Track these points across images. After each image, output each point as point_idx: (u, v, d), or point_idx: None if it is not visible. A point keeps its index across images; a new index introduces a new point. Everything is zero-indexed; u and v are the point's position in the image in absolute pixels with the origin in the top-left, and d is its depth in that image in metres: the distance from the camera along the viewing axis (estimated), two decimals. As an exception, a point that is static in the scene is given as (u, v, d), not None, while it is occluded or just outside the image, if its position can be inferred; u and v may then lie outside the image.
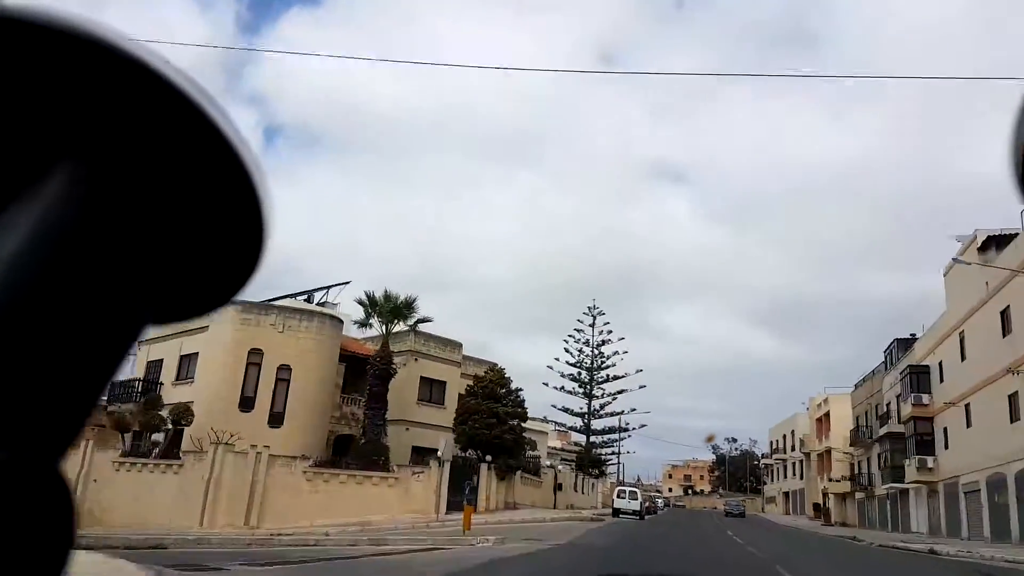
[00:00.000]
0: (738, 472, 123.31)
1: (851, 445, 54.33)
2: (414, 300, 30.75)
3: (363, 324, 30.74)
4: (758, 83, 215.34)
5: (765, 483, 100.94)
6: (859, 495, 52.96)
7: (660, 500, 79.39)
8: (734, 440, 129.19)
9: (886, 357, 48.72)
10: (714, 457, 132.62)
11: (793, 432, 77.62)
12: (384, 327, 30.55)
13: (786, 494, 79.09)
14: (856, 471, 53.91)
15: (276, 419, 28.77)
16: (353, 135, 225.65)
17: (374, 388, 29.45)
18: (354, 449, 29.17)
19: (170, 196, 0.41)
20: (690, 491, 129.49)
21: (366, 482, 26.85)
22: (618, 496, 41.94)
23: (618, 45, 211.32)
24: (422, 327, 33.54)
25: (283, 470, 25.39)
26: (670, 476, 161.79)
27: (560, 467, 40.47)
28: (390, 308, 30.13)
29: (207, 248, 0.43)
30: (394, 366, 30.37)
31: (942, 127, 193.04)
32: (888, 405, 46.05)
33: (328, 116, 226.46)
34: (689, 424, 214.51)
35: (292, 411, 28.92)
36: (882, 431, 44.83)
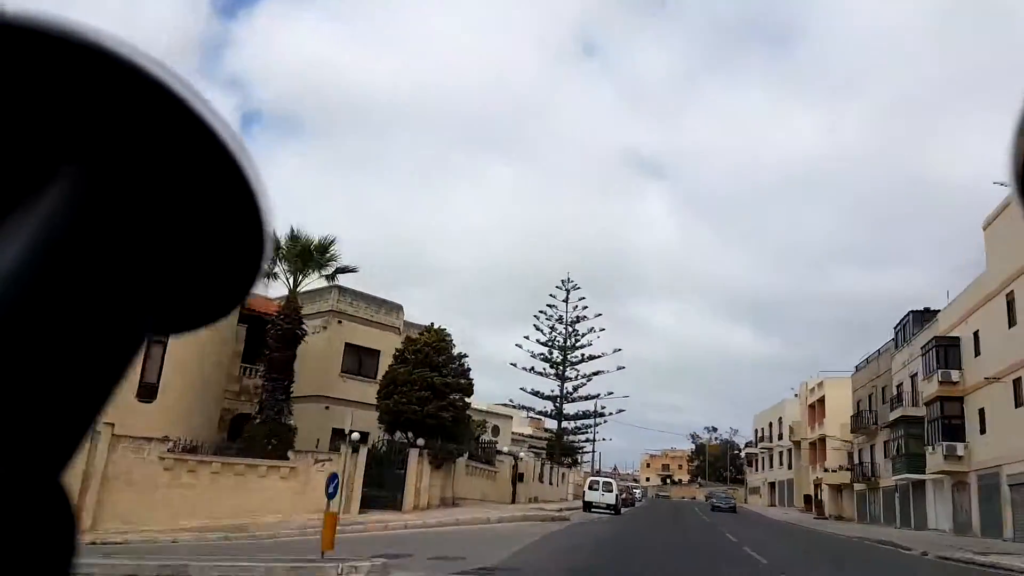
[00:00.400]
0: (717, 462, 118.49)
1: (852, 432, 48.73)
2: (331, 243, 24.07)
3: (266, 275, 23.98)
4: (737, 79, 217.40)
5: (747, 473, 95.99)
6: (859, 486, 47.38)
7: (638, 491, 73.46)
8: (714, 429, 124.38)
9: (897, 333, 42.96)
10: (693, 446, 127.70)
11: (781, 419, 72.18)
12: (291, 277, 23.84)
13: (772, 484, 73.76)
14: (856, 460, 48.33)
15: (148, 392, 22.00)
16: (325, 119, 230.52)
17: (275, 354, 22.84)
18: (247, 431, 22.48)
19: (170, 204, 0.40)
20: (668, 481, 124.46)
21: (250, 473, 20.36)
22: (590, 488, 35.92)
23: (600, 35, 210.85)
24: (349, 283, 26.94)
25: (131, 456, 18.68)
26: (648, 465, 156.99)
27: (522, 454, 34.12)
28: (297, 251, 23.42)
29: (207, 257, 0.42)
30: (304, 327, 23.77)
31: (919, 127, 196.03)
32: (899, 386, 40.31)
33: (302, 100, 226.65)
34: (667, 417, 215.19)
35: (168, 382, 22.21)
36: (893, 415, 39.09)
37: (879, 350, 45.98)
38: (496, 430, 43.67)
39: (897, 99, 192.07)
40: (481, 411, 43.26)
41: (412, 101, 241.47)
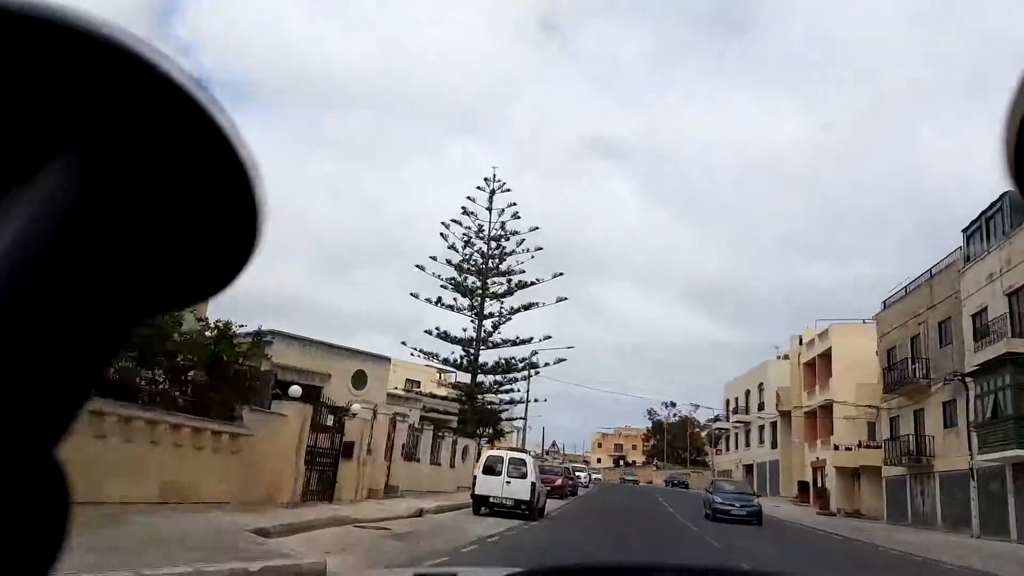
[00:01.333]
0: (676, 441, 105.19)
1: (885, 393, 34.34)
2: None
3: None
4: (703, 66, 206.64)
5: (711, 454, 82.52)
6: (894, 471, 33.01)
7: (585, 474, 58.11)
8: (672, 405, 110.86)
9: (969, 238, 28.46)
10: (649, 424, 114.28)
11: (761, 386, 58.12)
12: None
13: (748, 467, 59.79)
14: (889, 433, 34.02)
15: None
16: (289, 91, 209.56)
17: None
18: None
19: (166, 187, 0.40)
20: (622, 462, 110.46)
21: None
22: (486, 471, 20.09)
23: (562, 16, 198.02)
24: None
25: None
26: (599, 446, 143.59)
27: (357, 407, 18.44)
28: None
29: (203, 238, 0.43)
30: None
31: (883, 120, 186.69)
32: (981, 313, 25.83)
33: (263, 70, 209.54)
34: (625, 400, 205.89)
35: None
36: (979, 358, 24.61)
37: (931, 271, 31.50)
38: (363, 379, 27.87)
39: (862, 87, 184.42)
40: (338, 349, 27.44)
41: (366, 78, 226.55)
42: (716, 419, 70.00)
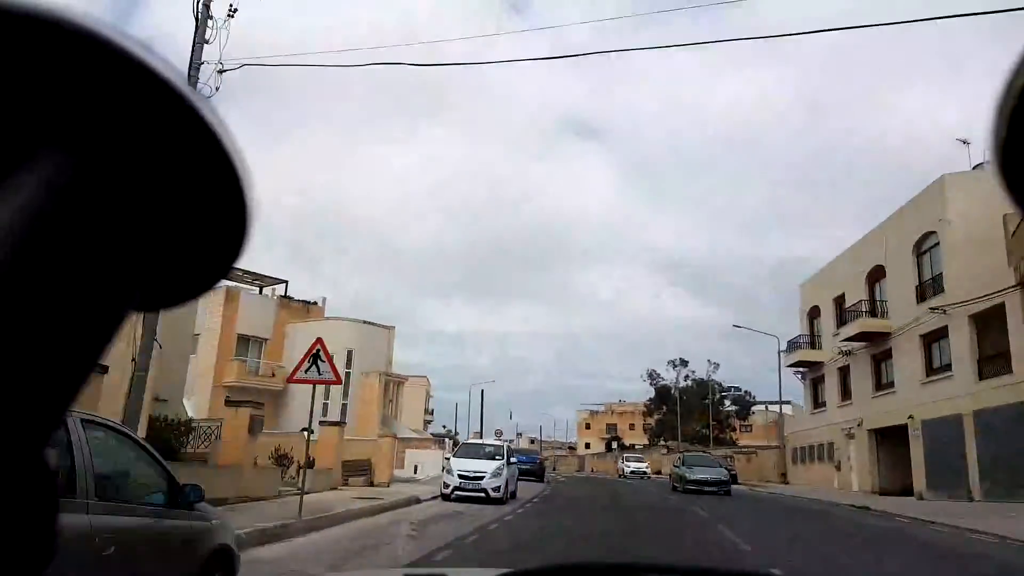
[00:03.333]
0: (692, 412, 74.09)
1: None
2: None
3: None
4: (672, 37, 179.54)
5: (737, 426, 51.90)
6: None
7: (495, 469, 25.55)
8: (683, 363, 79.57)
9: None
10: (652, 392, 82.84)
11: (925, 246, 27.13)
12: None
13: (878, 435, 28.48)
14: None
15: None
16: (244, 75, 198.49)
17: None
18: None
19: (154, 183, 0.40)
20: (616, 445, 78.73)
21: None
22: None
23: None
24: None
25: None
26: (587, 427, 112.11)
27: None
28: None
29: (192, 235, 0.42)
30: None
31: (853, 87, 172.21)
32: None
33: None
34: (611, 387, 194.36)
35: None
36: None
37: None
38: None
39: (827, 58, 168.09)
40: None
41: (329, 60, 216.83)
42: (795, 346, 37.83)
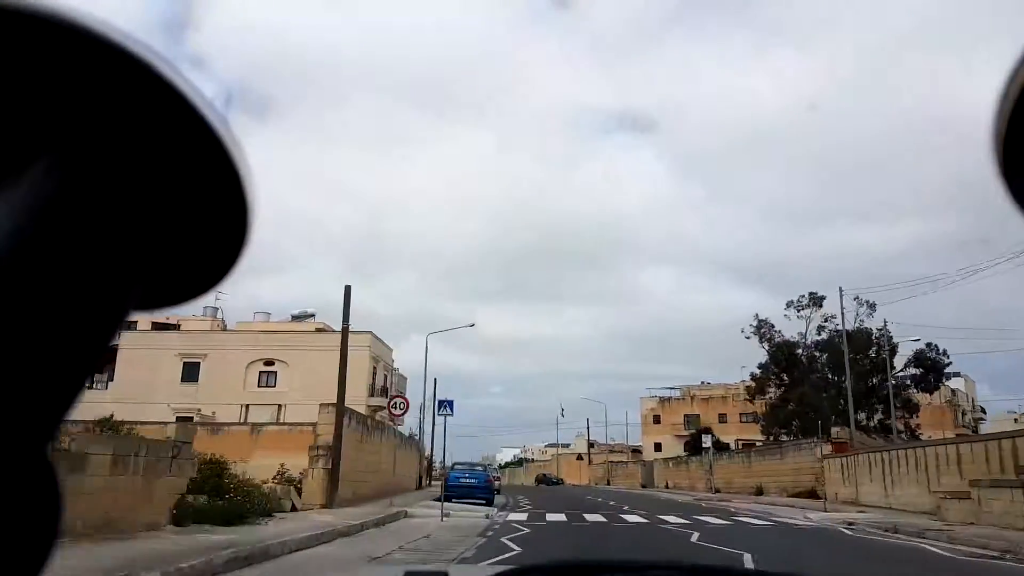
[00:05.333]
0: (835, 385, 41.73)
1: None
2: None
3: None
4: (722, 19, 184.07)
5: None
6: None
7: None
8: (816, 302, 47.33)
9: None
10: (766, 355, 50.28)
11: None
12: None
13: None
14: None
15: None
16: (279, 88, 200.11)
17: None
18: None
19: (154, 183, 0.40)
20: (708, 441, 45.83)
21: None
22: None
23: None
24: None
25: None
26: (656, 420, 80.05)
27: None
28: None
29: (193, 236, 0.42)
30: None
31: (912, 67, 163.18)
32: None
33: (259, 72, 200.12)
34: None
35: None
36: None
37: None
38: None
39: (885, 38, 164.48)
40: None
41: (362, 65, 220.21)
42: None
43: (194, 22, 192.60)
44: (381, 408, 35.28)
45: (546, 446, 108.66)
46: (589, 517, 19.28)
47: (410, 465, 35.98)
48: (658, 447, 78.08)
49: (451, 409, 26.48)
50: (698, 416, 77.13)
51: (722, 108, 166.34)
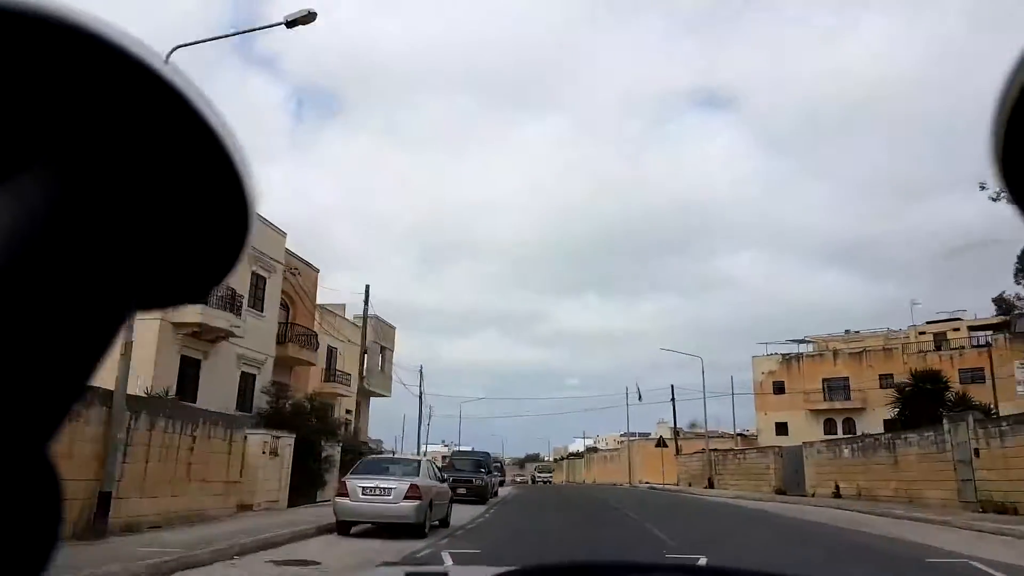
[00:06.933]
0: None
1: None
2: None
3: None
4: None
5: None
6: None
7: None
8: None
9: None
10: None
11: None
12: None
13: None
14: None
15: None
16: (352, 88, 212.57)
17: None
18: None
19: (154, 185, 0.40)
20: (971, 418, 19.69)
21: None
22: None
23: None
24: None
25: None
26: (779, 389, 53.49)
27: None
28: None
29: (193, 236, 0.42)
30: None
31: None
32: None
33: (329, 73, 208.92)
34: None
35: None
36: None
37: None
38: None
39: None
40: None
41: (432, 62, 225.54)
42: None
43: (264, 22, 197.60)
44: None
45: (621, 435, 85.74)
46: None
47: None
48: (782, 429, 52.09)
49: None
50: (846, 380, 50.80)
51: (810, 80, 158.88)
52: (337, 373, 34.36)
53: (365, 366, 34.64)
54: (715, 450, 46.65)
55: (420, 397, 44.91)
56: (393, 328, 43.49)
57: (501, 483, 39.74)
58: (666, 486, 48.14)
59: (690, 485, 46.99)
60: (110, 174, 0.38)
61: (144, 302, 0.43)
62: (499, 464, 43.11)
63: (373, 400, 42.12)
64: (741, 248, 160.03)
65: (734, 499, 30.93)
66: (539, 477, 73.11)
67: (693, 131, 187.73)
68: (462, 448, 29.09)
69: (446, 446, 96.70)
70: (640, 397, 62.60)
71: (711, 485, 43.95)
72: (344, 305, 37.91)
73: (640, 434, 76.74)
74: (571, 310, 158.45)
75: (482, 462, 26.86)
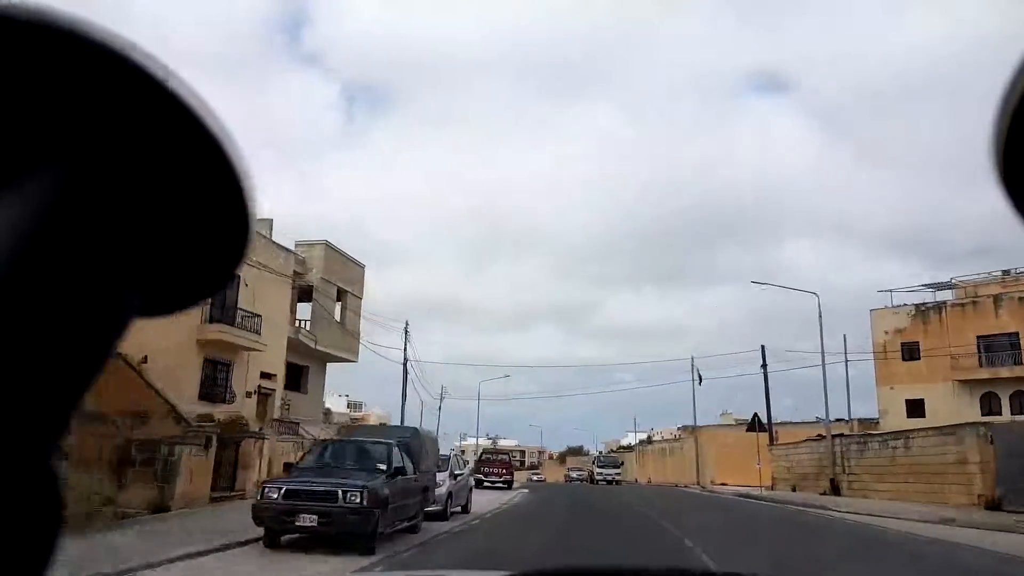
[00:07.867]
0: None
1: None
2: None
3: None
4: None
5: None
6: None
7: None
8: None
9: None
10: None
11: None
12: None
13: None
14: None
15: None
16: (400, 80, 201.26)
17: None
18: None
19: (155, 191, 0.40)
20: None
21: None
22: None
23: None
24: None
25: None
26: (910, 353, 37.81)
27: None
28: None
29: (193, 242, 0.43)
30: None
31: None
32: None
33: (377, 66, 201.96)
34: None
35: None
36: None
37: None
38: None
39: None
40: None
41: (484, 49, 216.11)
42: None
43: (310, 19, 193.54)
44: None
45: (678, 429, 72.11)
46: None
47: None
48: (915, 409, 37.40)
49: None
50: (1015, 337, 35.79)
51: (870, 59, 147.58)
52: (238, 313, 21.08)
53: (299, 313, 21.66)
54: (842, 435, 32.00)
55: (404, 364, 32.60)
56: (361, 267, 30.41)
57: (494, 485, 28.50)
58: (761, 491, 33.76)
59: (794, 490, 32.78)
60: (112, 179, 0.38)
61: (145, 308, 0.43)
62: (459, 454, 26.01)
63: (340, 367, 29.72)
64: (799, 235, 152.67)
65: (920, 524, 16.85)
66: (600, 475, 50.14)
67: (750, 115, 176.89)
68: (429, 430, 13.64)
69: (490, 439, 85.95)
70: (700, 380, 48.40)
71: (835, 490, 29.68)
72: (271, 220, 24.88)
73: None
74: (626, 302, 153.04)
75: (385, 452, 11.87)
